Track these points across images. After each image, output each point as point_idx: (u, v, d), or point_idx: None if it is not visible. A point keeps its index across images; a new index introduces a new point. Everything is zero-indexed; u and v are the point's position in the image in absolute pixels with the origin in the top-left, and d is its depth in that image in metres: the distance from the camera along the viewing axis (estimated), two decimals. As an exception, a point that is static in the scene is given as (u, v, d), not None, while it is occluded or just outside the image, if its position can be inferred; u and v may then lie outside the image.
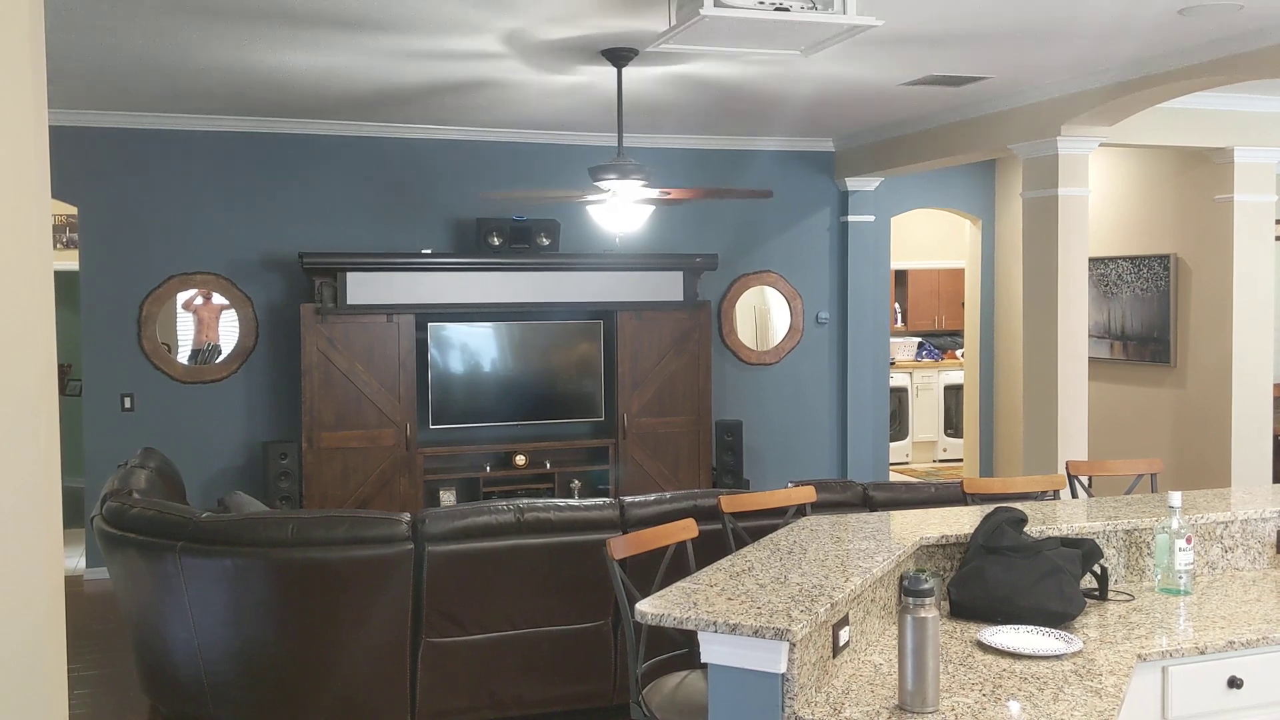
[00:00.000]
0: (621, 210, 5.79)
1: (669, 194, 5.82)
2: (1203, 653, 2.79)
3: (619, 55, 5.36)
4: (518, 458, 7.73)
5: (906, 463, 11.38)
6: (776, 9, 3.40)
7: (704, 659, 2.47)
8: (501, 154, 8.01)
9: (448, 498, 7.63)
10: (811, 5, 3.46)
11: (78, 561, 7.47)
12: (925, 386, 11.59)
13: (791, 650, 2.35)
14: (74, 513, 7.33)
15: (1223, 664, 2.81)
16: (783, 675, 2.36)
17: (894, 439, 10.94)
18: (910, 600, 2.34)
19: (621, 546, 3.19)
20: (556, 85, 6.27)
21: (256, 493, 7.13)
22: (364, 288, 7.29)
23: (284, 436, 7.57)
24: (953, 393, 11.42)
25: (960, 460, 10.71)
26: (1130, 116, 6.43)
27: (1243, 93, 6.73)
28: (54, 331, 2.31)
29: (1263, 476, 7.32)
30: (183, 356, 7.67)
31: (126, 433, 7.25)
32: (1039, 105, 6.56)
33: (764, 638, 2.36)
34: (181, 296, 7.61)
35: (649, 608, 2.53)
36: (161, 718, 4.80)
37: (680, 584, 2.71)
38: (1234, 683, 2.80)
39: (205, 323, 7.74)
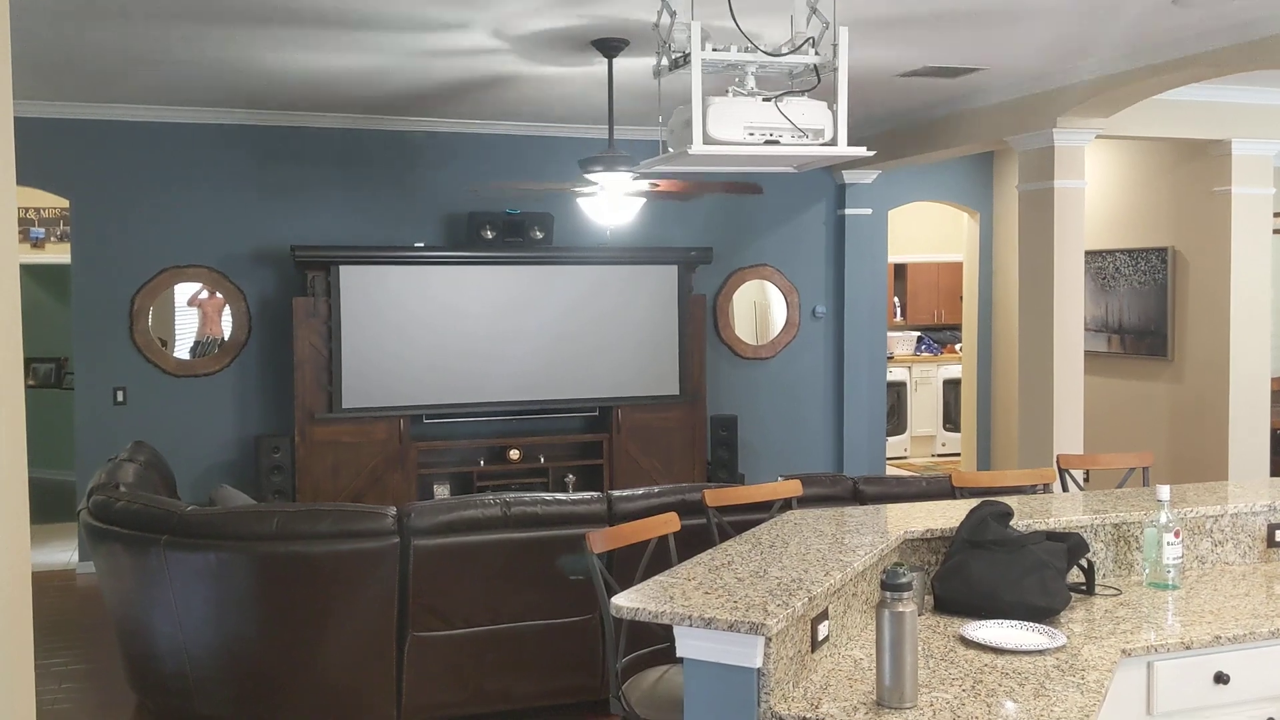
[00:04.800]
0: (611, 202, 5.75)
1: (658, 186, 5.78)
2: (1189, 648, 2.75)
3: (610, 46, 5.32)
4: (511, 452, 7.70)
5: (905, 457, 11.33)
6: (767, 141, 3.33)
7: (680, 653, 2.43)
8: (494, 147, 7.97)
9: (441, 492, 7.60)
10: (803, 136, 3.36)
11: (70, 555, 7.45)
12: (924, 380, 11.55)
13: (767, 645, 2.32)
14: (66, 506, 7.32)
15: (1209, 659, 2.77)
16: (758, 670, 2.33)
17: (892, 433, 10.91)
18: (889, 595, 2.31)
19: (601, 540, 3.16)
20: (548, 77, 6.23)
21: (249, 487, 7.10)
22: (356, 284, 7.25)
23: (276, 430, 7.54)
24: (952, 387, 11.37)
25: (959, 455, 10.67)
26: (1127, 108, 6.38)
27: (1240, 85, 6.68)
28: (19, 321, 2.27)
29: (1260, 470, 7.28)
30: (183, 350, 7.65)
31: (118, 426, 7.22)
32: (1035, 97, 6.51)
33: (739, 632, 2.32)
34: (184, 291, 7.59)
35: (625, 602, 2.49)
36: (148, 712, 4.77)
37: (657, 578, 2.67)
38: (1220, 678, 2.77)
39: (209, 317, 7.73)
